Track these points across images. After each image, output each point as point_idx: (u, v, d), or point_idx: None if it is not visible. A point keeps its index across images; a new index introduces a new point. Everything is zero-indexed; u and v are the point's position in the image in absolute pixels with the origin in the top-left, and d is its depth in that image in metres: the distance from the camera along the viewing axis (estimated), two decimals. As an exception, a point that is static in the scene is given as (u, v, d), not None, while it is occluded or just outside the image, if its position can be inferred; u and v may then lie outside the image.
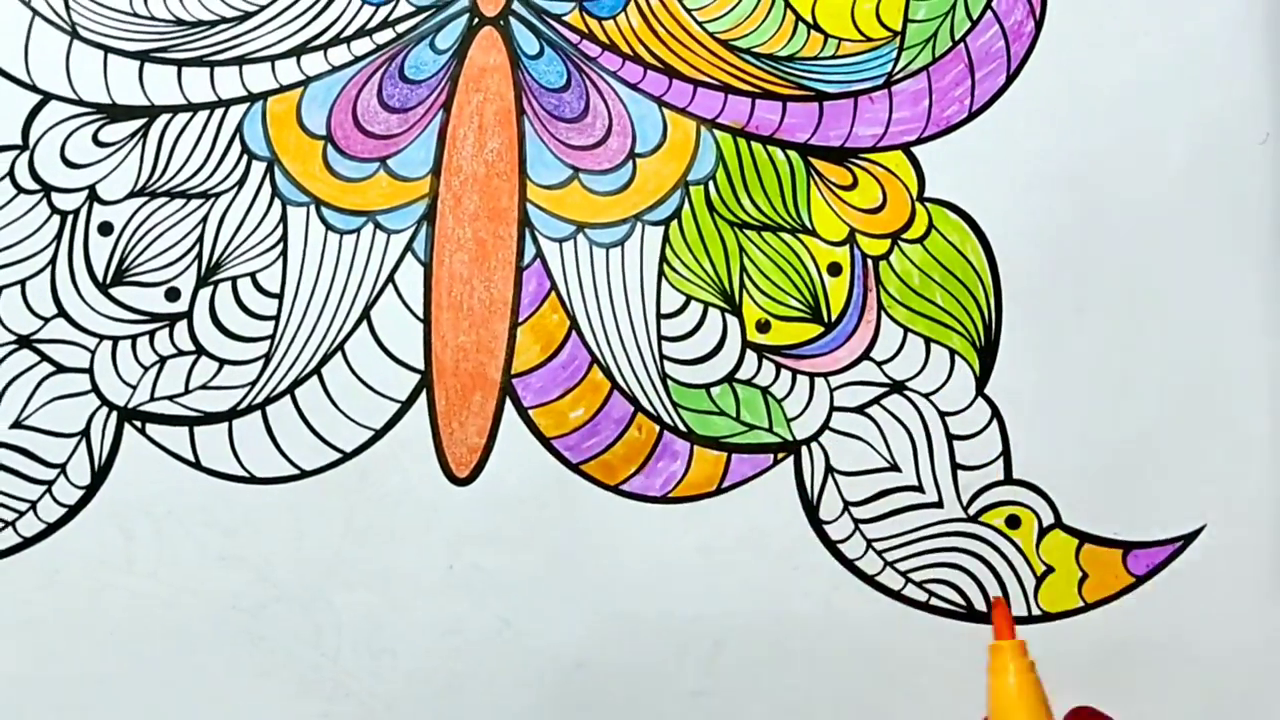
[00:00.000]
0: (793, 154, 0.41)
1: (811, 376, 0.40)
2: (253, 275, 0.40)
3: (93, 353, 0.39)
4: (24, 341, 0.39)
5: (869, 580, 0.40)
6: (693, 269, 0.40)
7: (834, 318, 0.40)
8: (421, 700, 0.39)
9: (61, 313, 0.39)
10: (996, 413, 0.40)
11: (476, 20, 0.40)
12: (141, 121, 0.40)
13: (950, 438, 0.40)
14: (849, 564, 0.40)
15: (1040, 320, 0.40)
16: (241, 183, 0.40)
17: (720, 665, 0.40)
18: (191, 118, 0.40)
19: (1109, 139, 0.41)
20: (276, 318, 0.40)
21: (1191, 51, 0.41)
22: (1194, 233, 0.41)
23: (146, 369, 0.39)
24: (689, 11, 0.41)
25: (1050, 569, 0.40)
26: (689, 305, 0.40)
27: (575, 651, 0.40)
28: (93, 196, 0.40)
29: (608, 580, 0.40)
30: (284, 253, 0.40)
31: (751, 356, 0.40)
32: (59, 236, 0.39)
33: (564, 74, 0.40)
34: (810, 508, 0.40)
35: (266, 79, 0.40)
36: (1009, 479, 0.40)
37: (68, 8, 0.40)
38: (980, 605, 0.40)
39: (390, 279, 0.40)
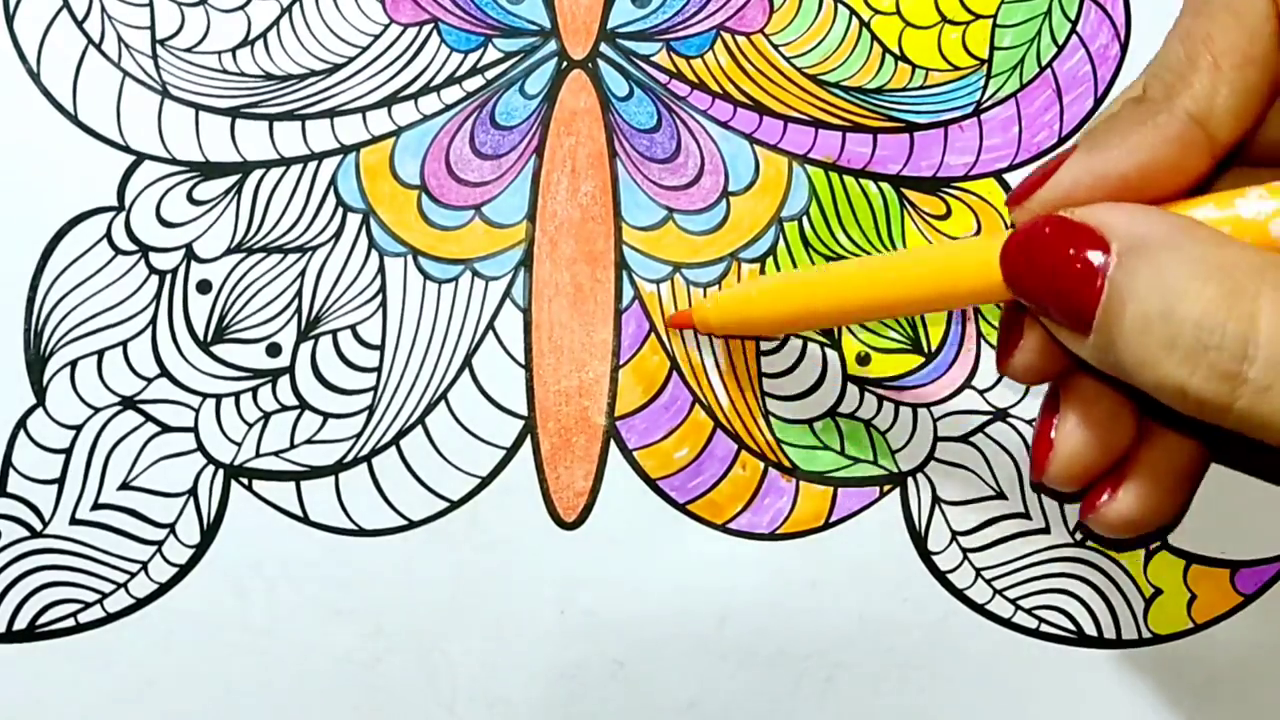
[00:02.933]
0: (885, 186, 0.41)
1: (914, 407, 0.40)
2: (353, 328, 0.40)
3: (197, 411, 0.39)
4: (128, 403, 0.39)
5: (979, 609, 0.40)
6: (790, 304, 0.40)
7: (934, 348, 0.40)
8: (539, 746, 0.39)
9: (164, 372, 0.39)
10: (1099, 437, 0.40)
11: (565, 64, 0.40)
12: (235, 178, 0.40)
13: (1054, 463, 0.40)
14: (959, 593, 0.40)
15: (1138, 343, 0.40)
16: (338, 235, 0.40)
17: (833, 699, 0.40)
18: (285, 172, 0.40)
19: (1199, 159, 0.41)
20: (378, 369, 0.40)
21: None
22: (1290, 250, 0.41)
23: (251, 425, 0.39)
24: (776, 48, 0.41)
25: (1159, 591, 0.40)
26: (788, 341, 0.40)
27: (690, 691, 0.40)
28: (190, 255, 0.40)
29: (719, 619, 0.40)
30: (383, 304, 0.40)
31: (853, 390, 0.40)
32: (158, 296, 0.39)
33: (654, 114, 0.41)
34: (918, 539, 0.40)
35: (358, 130, 0.40)
36: (1114, 503, 0.40)
37: (158, 67, 0.40)
38: (1091, 631, 0.40)
39: (490, 326, 0.40)
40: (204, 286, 0.40)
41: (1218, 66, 0.27)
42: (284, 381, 0.40)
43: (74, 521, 0.39)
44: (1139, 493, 0.33)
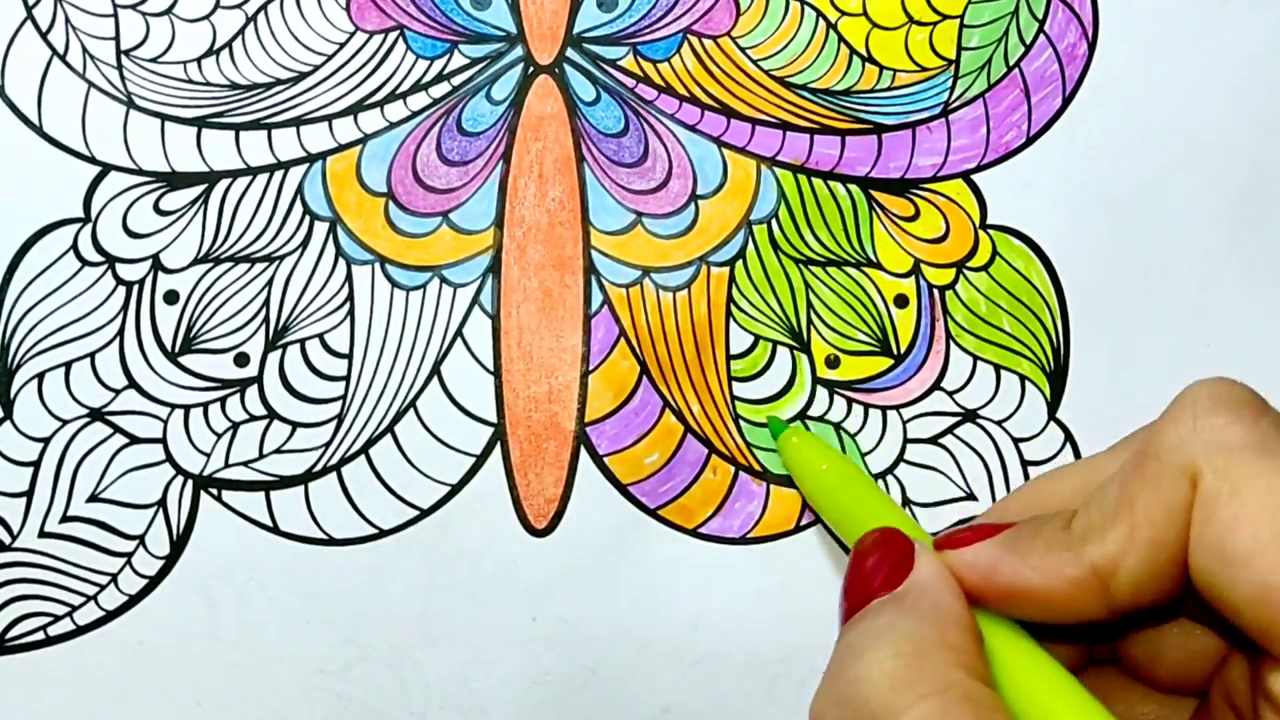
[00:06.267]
0: (854, 188, 0.41)
1: (883, 410, 0.40)
2: (321, 336, 0.40)
3: (165, 422, 0.39)
4: (96, 415, 0.39)
5: (952, 611, 0.40)
6: (760, 308, 0.40)
7: (903, 350, 0.40)
8: (512, 754, 0.39)
9: (132, 384, 0.39)
10: (1070, 437, 0.40)
11: (531, 69, 0.40)
12: (202, 188, 0.40)
13: (1025, 464, 0.40)
14: (931, 596, 0.40)
15: (1110, 342, 0.40)
16: (305, 244, 0.40)
17: (807, 704, 0.40)
18: (251, 181, 0.40)
19: (1170, 155, 0.41)
20: (347, 378, 0.40)
21: (1251, 62, 0.41)
22: (1262, 245, 0.41)
23: (219, 436, 0.39)
24: (743, 50, 0.41)
25: (1133, 591, 0.40)
26: (758, 345, 0.40)
27: (662, 697, 0.40)
28: (157, 265, 0.39)
29: (690, 625, 0.40)
30: (351, 312, 0.40)
31: (822, 393, 0.40)
32: (125, 308, 0.39)
33: (622, 119, 0.40)
34: (890, 541, 0.40)
35: (324, 139, 0.40)
36: (1087, 503, 0.40)
37: (123, 78, 0.40)
38: (1065, 631, 0.40)
39: (459, 333, 0.40)
40: (171, 297, 0.39)
41: (1133, 534, 0.26)
42: (252, 391, 0.39)
43: (43, 534, 0.39)
44: None
